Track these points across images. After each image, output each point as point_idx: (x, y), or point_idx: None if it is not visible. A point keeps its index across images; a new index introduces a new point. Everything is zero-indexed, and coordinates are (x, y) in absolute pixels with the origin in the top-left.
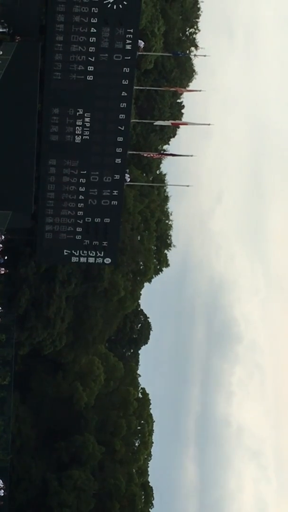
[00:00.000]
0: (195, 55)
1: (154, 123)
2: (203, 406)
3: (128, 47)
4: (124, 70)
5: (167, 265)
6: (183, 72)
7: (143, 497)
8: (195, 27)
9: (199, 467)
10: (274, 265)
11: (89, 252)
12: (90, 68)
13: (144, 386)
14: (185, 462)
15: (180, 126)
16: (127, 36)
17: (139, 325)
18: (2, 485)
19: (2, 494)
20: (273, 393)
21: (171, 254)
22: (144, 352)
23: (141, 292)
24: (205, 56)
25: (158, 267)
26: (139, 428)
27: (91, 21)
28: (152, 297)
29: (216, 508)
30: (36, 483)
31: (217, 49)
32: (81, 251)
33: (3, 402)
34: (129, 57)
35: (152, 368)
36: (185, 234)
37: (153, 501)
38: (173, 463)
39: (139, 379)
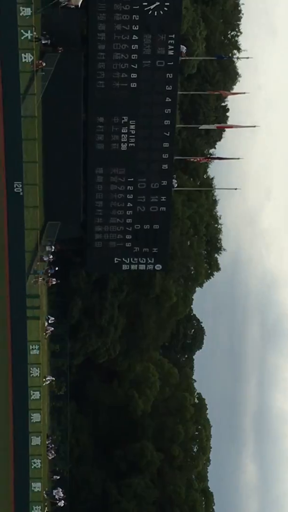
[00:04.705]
0: (238, 58)
1: (200, 128)
2: (259, 404)
3: (171, 52)
4: (167, 76)
5: (218, 269)
6: (227, 75)
7: (203, 502)
8: (237, 29)
9: (258, 465)
10: None
11: (139, 259)
12: (133, 76)
13: (200, 391)
14: (244, 462)
15: (226, 129)
16: (169, 42)
17: (192, 330)
18: (62, 496)
19: (63, 505)
20: None
21: (221, 258)
22: (198, 357)
23: (193, 297)
24: (248, 58)
25: (209, 271)
26: (196, 433)
27: (133, 28)
28: (204, 302)
29: (277, 505)
30: (96, 492)
31: (260, 49)
32: (131, 259)
33: (59, 412)
34: (172, 63)
35: (207, 372)
36: (234, 235)
37: (213, 506)
38: (232, 464)
39: (195, 384)
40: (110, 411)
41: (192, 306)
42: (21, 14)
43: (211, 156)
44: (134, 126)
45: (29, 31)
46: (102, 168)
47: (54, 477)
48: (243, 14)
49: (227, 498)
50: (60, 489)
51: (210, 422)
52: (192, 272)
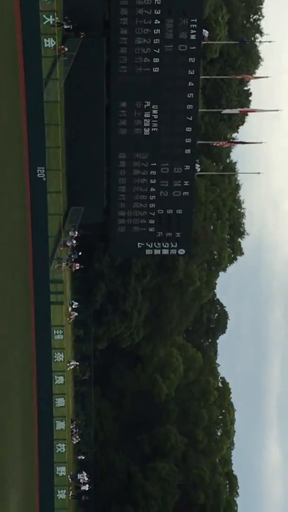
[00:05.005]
0: (260, 42)
1: (222, 112)
2: (283, 387)
3: (193, 37)
4: (189, 60)
5: (241, 254)
6: (249, 59)
7: (227, 486)
8: (259, 13)
9: (282, 448)
10: None
11: (162, 244)
12: (156, 60)
13: (223, 375)
14: (269, 445)
15: (249, 113)
16: (191, 26)
17: (216, 314)
18: (87, 480)
19: (87, 488)
20: None
21: (245, 242)
22: (222, 341)
23: (216, 281)
24: (270, 42)
25: (232, 255)
26: (220, 417)
27: (155, 12)
28: (228, 286)
29: None
30: (121, 476)
31: (282, 33)
32: (154, 243)
33: (84, 397)
34: (194, 47)
35: (231, 356)
36: (257, 219)
37: (237, 490)
38: (256, 448)
39: (218, 368)
40: (134, 395)
41: (215, 290)
42: None
43: (234, 140)
44: (156, 111)
45: (51, 16)
46: (125, 153)
47: (79, 457)
48: None
49: (252, 482)
50: (85, 473)
51: (234, 406)
52: (216, 257)
